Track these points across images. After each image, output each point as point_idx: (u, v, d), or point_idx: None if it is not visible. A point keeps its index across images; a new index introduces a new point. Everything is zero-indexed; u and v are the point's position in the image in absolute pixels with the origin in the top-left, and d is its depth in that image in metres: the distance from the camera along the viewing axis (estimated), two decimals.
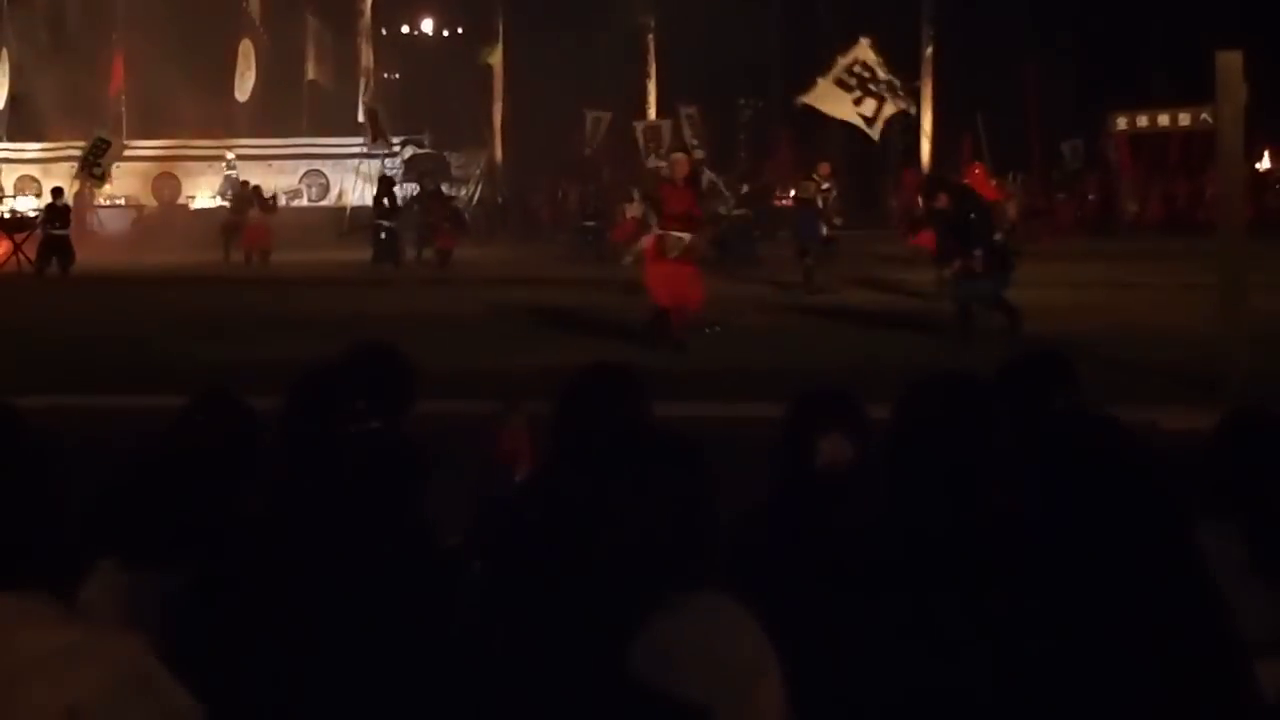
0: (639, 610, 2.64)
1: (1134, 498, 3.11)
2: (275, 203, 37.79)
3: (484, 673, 2.61)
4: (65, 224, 31.91)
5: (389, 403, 4.98)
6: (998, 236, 18.45)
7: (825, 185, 27.01)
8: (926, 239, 22.52)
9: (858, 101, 22.16)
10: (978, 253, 17.70)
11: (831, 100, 22.64)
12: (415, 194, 37.11)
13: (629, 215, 36.53)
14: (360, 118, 47.30)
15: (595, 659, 2.54)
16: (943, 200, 19.72)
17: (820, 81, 22.88)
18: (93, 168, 36.84)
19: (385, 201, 34.42)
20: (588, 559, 2.61)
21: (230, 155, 45.94)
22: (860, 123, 22.68)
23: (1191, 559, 3.11)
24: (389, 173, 40.52)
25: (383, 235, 33.61)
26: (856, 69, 22.23)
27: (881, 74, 22.30)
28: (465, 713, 2.67)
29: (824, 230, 26.02)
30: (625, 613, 2.61)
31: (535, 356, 14.91)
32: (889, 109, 22.74)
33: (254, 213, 35.48)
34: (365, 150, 45.82)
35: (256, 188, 37.27)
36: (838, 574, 3.55)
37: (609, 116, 45.13)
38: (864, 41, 22.86)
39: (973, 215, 18.28)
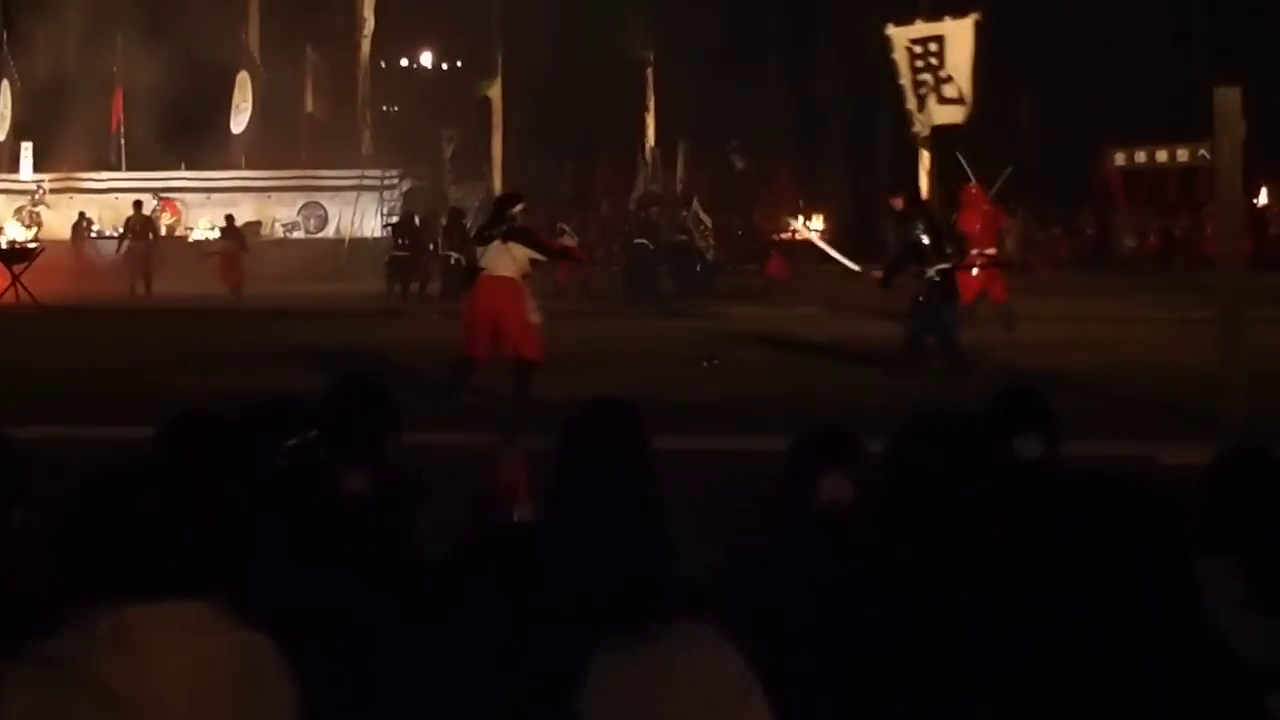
0: (588, 653, 2.66)
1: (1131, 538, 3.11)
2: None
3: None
4: None
5: (366, 436, 4.91)
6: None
7: None
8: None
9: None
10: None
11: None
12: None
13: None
14: (364, 149, 47.26)
15: (545, 702, 2.57)
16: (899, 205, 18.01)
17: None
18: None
19: (455, 234, 33.85)
20: (546, 597, 2.62)
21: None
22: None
23: (1189, 596, 3.12)
24: (389, 205, 40.20)
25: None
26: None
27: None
28: None
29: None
30: (574, 656, 2.63)
31: (540, 391, 14.87)
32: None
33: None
34: (361, 183, 45.69)
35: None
36: (835, 609, 3.57)
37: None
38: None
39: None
